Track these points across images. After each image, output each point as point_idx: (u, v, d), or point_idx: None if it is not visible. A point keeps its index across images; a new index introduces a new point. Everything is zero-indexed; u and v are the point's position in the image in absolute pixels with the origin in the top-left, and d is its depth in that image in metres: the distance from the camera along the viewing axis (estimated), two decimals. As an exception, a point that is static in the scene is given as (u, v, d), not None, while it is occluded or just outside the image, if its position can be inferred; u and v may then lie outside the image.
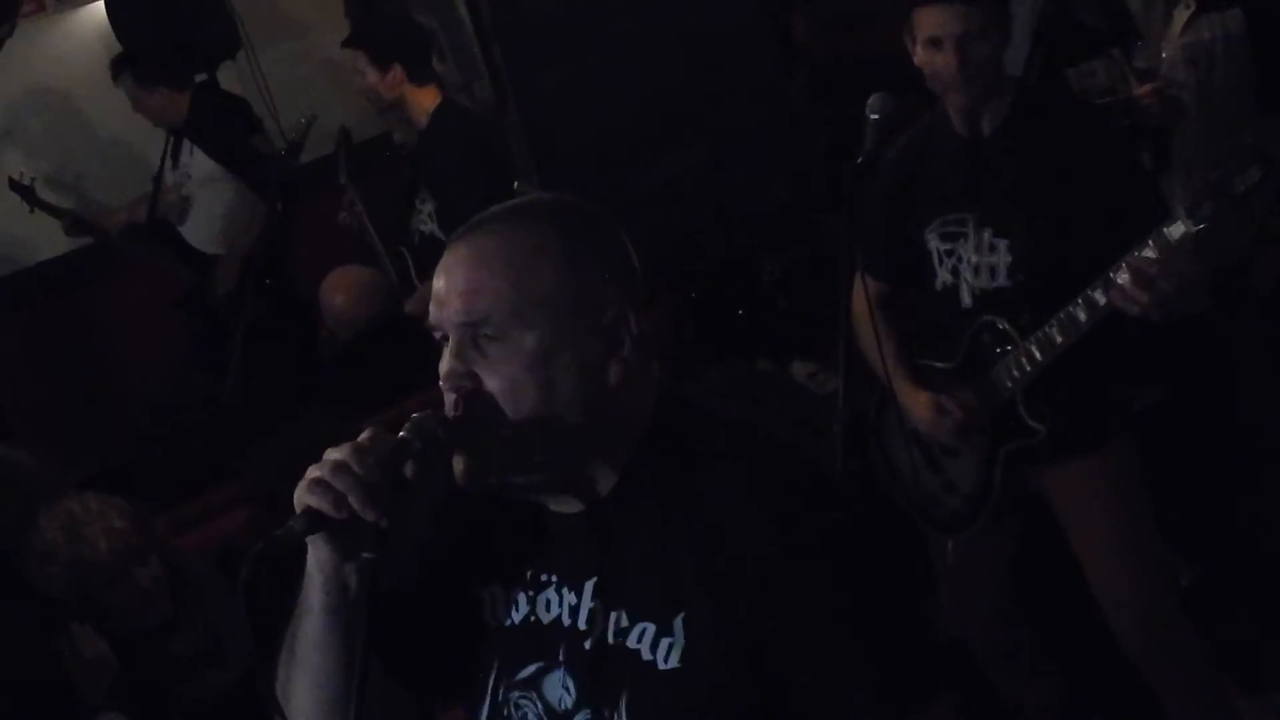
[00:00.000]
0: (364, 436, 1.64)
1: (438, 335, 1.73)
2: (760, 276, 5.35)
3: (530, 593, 1.81)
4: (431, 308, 1.73)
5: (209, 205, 5.92)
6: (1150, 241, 2.84)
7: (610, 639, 1.72)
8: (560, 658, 1.76)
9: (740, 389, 4.55)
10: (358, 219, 5.36)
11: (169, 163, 5.96)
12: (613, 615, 1.72)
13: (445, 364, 1.71)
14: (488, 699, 1.84)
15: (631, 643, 1.70)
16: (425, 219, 5.14)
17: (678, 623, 1.67)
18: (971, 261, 3.19)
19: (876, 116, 2.89)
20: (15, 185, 5.99)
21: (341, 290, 5.12)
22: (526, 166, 5.23)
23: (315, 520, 1.60)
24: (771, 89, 5.75)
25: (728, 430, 1.78)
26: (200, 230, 5.98)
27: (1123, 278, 2.87)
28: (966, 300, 3.23)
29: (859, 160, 2.93)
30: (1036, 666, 3.64)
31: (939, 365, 3.32)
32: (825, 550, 1.66)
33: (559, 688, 1.77)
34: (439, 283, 1.72)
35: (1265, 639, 3.78)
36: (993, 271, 3.16)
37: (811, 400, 4.56)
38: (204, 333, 5.95)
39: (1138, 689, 3.36)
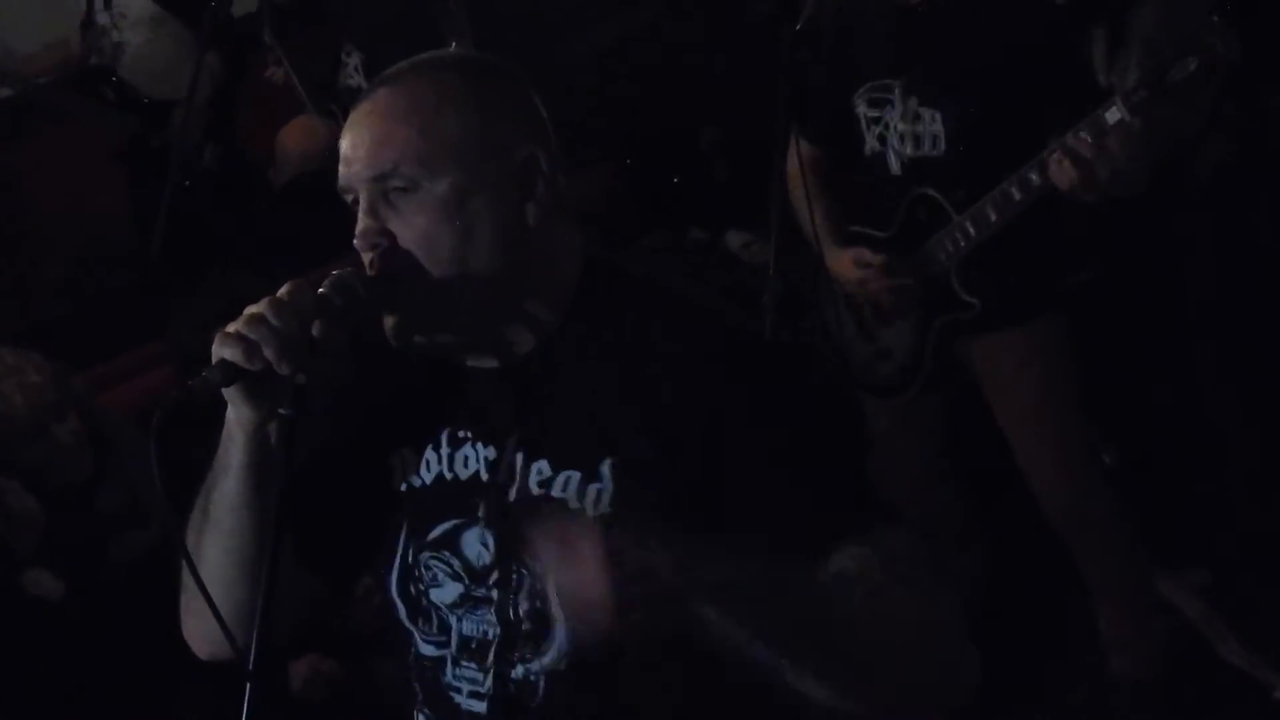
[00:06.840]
0: (283, 290, 1.60)
1: (349, 199, 1.70)
2: (697, 144, 5.31)
3: (447, 450, 1.78)
4: (340, 169, 1.70)
5: (149, 46, 5.57)
6: (1085, 124, 2.84)
7: (534, 490, 1.70)
8: (480, 513, 1.75)
9: (670, 257, 4.52)
10: (285, 76, 5.23)
11: (99, 2, 5.54)
12: (534, 466, 1.71)
13: (359, 224, 1.67)
14: (397, 562, 1.82)
15: (556, 491, 1.69)
16: (352, 72, 5.02)
17: (604, 469, 1.66)
18: (898, 129, 3.16)
19: None
20: None
21: (287, 135, 5.06)
22: (462, 26, 5.12)
23: (230, 372, 1.56)
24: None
25: (656, 290, 1.77)
26: (142, 72, 5.58)
27: (1057, 158, 2.87)
28: (895, 168, 3.21)
29: (798, 27, 2.89)
30: (965, 530, 3.69)
31: (873, 233, 3.31)
32: (767, 398, 1.66)
33: (477, 544, 1.76)
34: (344, 142, 1.69)
35: (1182, 516, 3.84)
36: (918, 140, 3.14)
37: (743, 271, 4.55)
38: (150, 184, 5.34)
39: (1062, 560, 3.42)
